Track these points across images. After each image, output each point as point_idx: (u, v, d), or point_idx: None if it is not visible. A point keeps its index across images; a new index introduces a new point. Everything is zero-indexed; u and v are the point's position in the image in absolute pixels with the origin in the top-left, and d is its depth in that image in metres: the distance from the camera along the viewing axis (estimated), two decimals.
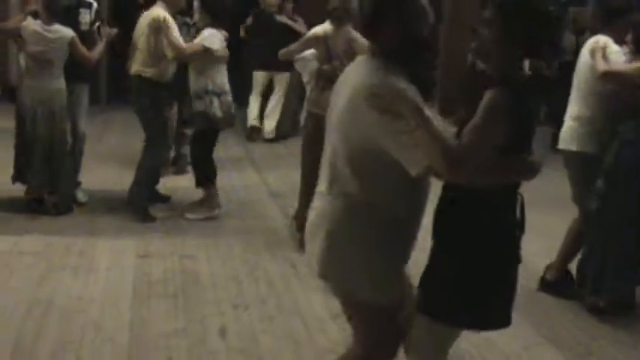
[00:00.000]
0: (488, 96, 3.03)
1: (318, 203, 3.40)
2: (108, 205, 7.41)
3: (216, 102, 7.12)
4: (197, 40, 7.14)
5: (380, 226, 3.22)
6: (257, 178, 9.21)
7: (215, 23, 7.17)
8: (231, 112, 7.32)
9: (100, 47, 7.42)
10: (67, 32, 7.10)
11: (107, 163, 8.99)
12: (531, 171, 3.17)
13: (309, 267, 3.57)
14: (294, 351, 4.84)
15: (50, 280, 5.67)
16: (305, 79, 7.08)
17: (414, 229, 3.33)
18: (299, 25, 11.06)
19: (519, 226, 3.25)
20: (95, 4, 7.68)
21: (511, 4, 3.14)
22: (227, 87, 7.31)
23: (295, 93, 11.36)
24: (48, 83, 7.10)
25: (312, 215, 3.44)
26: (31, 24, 7.05)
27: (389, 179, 3.18)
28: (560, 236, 6.05)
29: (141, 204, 7.25)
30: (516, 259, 3.26)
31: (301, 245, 5.95)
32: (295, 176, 9.08)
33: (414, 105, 3.01)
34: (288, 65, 8.54)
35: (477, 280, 3.16)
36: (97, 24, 7.53)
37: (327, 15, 6.60)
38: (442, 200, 3.26)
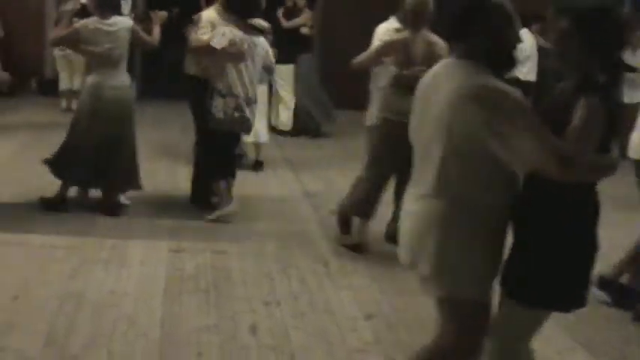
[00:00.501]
0: (586, 102, 3.15)
1: (419, 207, 3.46)
2: (141, 199, 7.40)
3: (219, 103, 6.95)
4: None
5: (485, 224, 3.36)
6: (291, 176, 9.18)
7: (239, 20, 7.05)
8: (236, 116, 7.00)
9: (156, 30, 7.26)
10: (127, 21, 7.04)
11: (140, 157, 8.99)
12: (613, 168, 3.31)
13: (414, 271, 3.57)
14: (325, 349, 4.80)
15: (82, 274, 5.68)
16: (381, 84, 6.72)
17: (507, 224, 3.45)
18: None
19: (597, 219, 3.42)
20: None
21: (585, 17, 3.28)
22: (238, 89, 6.98)
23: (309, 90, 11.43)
24: (118, 80, 7.00)
25: (412, 220, 3.49)
26: (89, 23, 6.86)
27: (492, 177, 3.32)
28: (620, 241, 5.95)
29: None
30: (596, 248, 3.41)
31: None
32: (330, 176, 9.13)
33: (522, 107, 3.18)
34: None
35: (564, 268, 3.33)
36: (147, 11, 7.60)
37: (405, 19, 6.44)
38: (528, 198, 3.37)
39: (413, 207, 3.51)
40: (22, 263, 5.83)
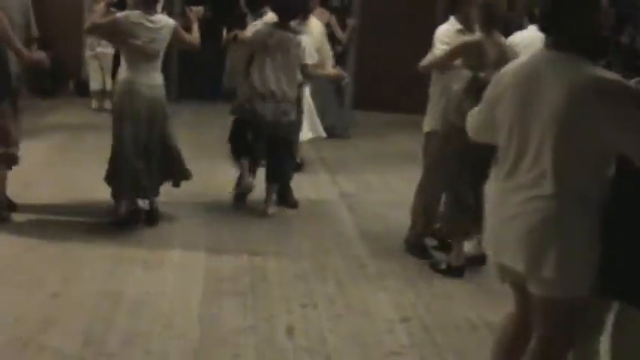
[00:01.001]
0: None
1: (533, 209, 3.35)
2: (179, 197, 7.41)
3: (240, 90, 7.49)
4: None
5: (598, 221, 3.31)
6: (328, 178, 9.18)
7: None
8: (246, 107, 7.28)
9: (195, 29, 7.05)
10: (170, 21, 6.81)
11: None
12: None
13: (531, 275, 3.43)
14: (361, 352, 4.79)
15: (121, 273, 5.73)
16: (455, 86, 6.20)
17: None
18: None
19: None
20: None
21: None
22: (255, 82, 7.19)
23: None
24: (152, 78, 6.72)
25: (526, 223, 3.38)
26: (132, 15, 6.60)
27: (605, 174, 3.32)
28: None
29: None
30: None
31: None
32: (366, 177, 9.12)
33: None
34: None
35: None
36: (188, 8, 7.24)
37: (477, 19, 6.10)
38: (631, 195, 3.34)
39: (523, 209, 3.39)
40: (61, 261, 5.88)
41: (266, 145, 7.41)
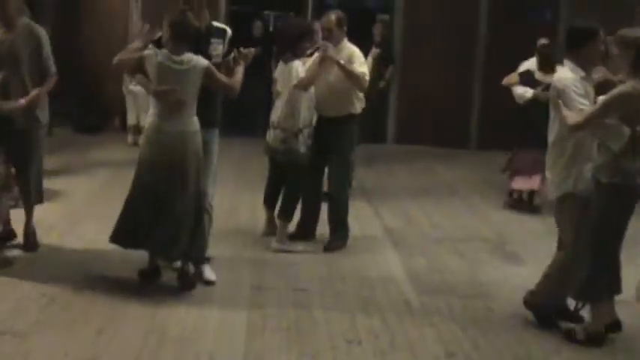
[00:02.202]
0: None
1: None
2: (222, 233, 7.43)
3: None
4: None
5: None
6: (370, 210, 9.15)
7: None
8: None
9: (239, 71, 6.28)
10: (201, 61, 5.99)
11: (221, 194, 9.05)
12: None
13: None
14: None
15: (165, 310, 5.74)
16: (614, 146, 5.45)
17: None
18: None
19: None
20: (229, 32, 6.48)
21: None
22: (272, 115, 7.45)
23: None
24: (183, 124, 5.98)
25: None
26: (157, 54, 5.98)
27: None
28: None
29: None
30: None
31: None
32: (408, 208, 9.09)
33: None
34: None
35: None
36: (233, 55, 6.37)
37: (629, 62, 5.40)
38: None
39: None
40: (105, 298, 5.92)
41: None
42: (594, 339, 5.59)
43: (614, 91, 5.37)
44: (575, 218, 5.66)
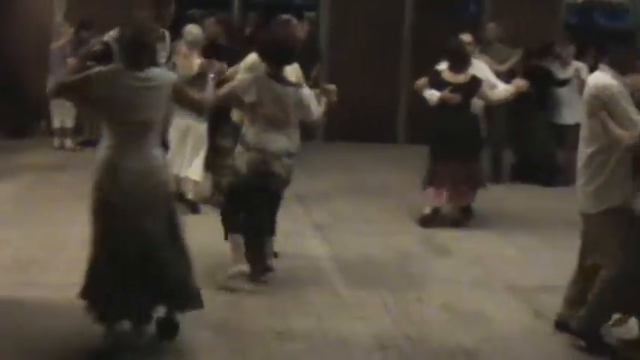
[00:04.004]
0: None
1: None
2: None
3: None
4: None
5: None
6: (300, 209, 9.10)
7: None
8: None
9: (211, 87, 5.86)
10: (168, 76, 5.06)
11: None
12: None
13: None
14: None
15: None
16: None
17: None
18: None
19: None
20: (167, 34, 6.15)
21: None
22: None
23: None
24: (145, 159, 4.88)
25: None
26: (110, 72, 4.90)
27: None
28: None
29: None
30: None
31: None
32: (339, 205, 9.12)
33: None
34: None
35: None
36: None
37: None
38: None
39: None
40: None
41: None
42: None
43: None
44: (621, 233, 5.27)
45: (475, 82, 8.21)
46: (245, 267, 6.26)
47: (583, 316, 5.41)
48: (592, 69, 11.97)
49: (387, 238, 7.94)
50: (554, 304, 6.20)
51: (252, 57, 6.76)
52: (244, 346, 5.22)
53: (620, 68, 5.25)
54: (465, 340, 5.51)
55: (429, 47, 12.26)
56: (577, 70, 10.96)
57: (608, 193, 5.25)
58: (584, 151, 5.37)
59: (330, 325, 5.66)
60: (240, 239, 6.27)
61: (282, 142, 6.14)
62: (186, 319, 5.39)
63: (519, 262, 7.50)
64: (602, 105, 5.15)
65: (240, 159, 6.20)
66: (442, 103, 8.17)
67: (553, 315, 5.96)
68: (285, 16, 6.82)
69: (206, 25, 8.67)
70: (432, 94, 8.25)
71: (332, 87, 6.59)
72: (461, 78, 8.18)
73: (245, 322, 5.64)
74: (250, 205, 6.25)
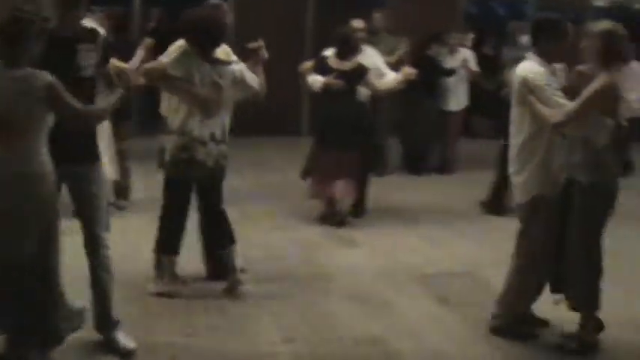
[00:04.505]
0: None
1: None
2: None
3: None
4: None
5: None
6: None
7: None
8: None
9: (114, 96, 4.81)
10: (41, 77, 4.31)
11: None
12: None
13: None
14: None
15: None
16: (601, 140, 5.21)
17: None
18: None
19: None
20: (102, 33, 5.13)
21: None
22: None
23: None
24: (15, 165, 4.33)
25: None
26: None
27: None
28: None
29: None
30: None
31: None
32: (243, 201, 9.02)
33: None
34: None
35: None
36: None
37: (600, 53, 5.18)
38: None
39: None
40: None
41: None
42: (589, 346, 5.39)
43: (595, 86, 5.09)
44: (545, 220, 5.38)
45: (360, 70, 8.06)
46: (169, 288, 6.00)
47: (501, 304, 5.59)
48: (485, 57, 12.37)
49: (292, 232, 7.96)
50: (459, 290, 6.41)
51: (179, 43, 6.24)
52: (152, 346, 5.14)
53: (547, 58, 5.38)
54: (371, 329, 5.57)
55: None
56: (465, 60, 11.20)
57: (537, 182, 5.36)
58: (514, 142, 5.46)
59: (236, 319, 5.64)
60: (172, 261, 6.05)
61: (208, 126, 5.83)
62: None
63: (423, 251, 7.59)
64: (529, 91, 5.25)
65: (166, 148, 5.94)
66: (325, 89, 8.04)
67: (458, 301, 6.12)
68: (215, 1, 6.63)
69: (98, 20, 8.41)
70: (315, 80, 8.13)
71: (256, 44, 6.36)
72: (346, 65, 8.04)
73: (152, 322, 5.55)
74: (179, 204, 5.98)
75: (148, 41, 6.55)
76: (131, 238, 7.04)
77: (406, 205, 9.42)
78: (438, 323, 5.77)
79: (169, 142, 5.88)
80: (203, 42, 5.83)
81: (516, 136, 5.43)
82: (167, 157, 5.90)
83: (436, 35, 11.41)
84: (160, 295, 5.91)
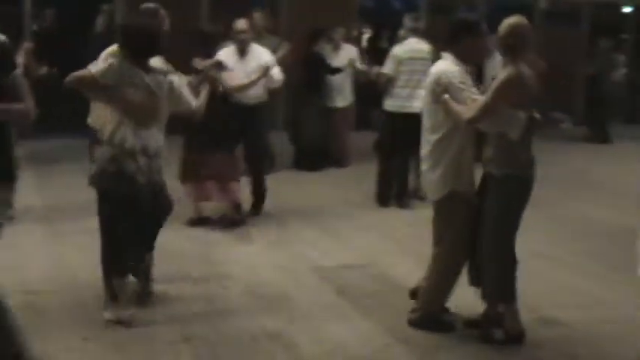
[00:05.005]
0: None
1: None
2: None
3: None
4: None
5: None
6: None
7: None
8: None
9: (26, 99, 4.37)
10: None
11: None
12: None
13: None
14: None
15: None
16: (514, 134, 5.30)
17: None
18: None
19: None
20: (2, 39, 4.37)
21: None
22: None
23: None
24: None
25: None
26: None
27: None
28: None
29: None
30: None
31: None
32: None
33: None
34: None
35: None
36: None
37: (510, 47, 5.32)
38: None
39: None
40: None
41: None
42: (515, 338, 5.46)
43: (502, 78, 5.22)
44: (460, 216, 5.49)
45: (219, 67, 7.60)
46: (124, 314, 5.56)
47: (418, 293, 5.74)
48: (382, 51, 12.51)
49: (188, 230, 7.91)
50: (357, 281, 6.49)
51: (111, 50, 6.03)
52: (48, 352, 5.05)
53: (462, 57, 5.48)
54: (268, 323, 5.60)
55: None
56: (352, 60, 11.34)
57: (451, 179, 5.46)
58: (427, 139, 5.56)
59: (136, 320, 5.57)
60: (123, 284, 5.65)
61: (141, 138, 5.45)
62: None
63: (321, 245, 7.66)
64: (443, 90, 5.36)
65: (103, 160, 5.51)
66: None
67: (356, 292, 6.20)
68: (151, 5, 6.45)
69: None
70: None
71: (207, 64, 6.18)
72: (205, 63, 7.54)
73: (48, 326, 5.45)
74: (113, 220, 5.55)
75: (27, 45, 6.34)
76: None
77: (303, 200, 9.51)
78: (337, 315, 5.84)
79: (99, 154, 5.56)
80: (139, 49, 5.51)
81: (430, 134, 5.54)
82: (95, 169, 5.55)
83: (321, 31, 11.41)
84: (118, 323, 5.51)
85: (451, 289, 5.64)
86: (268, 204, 8.75)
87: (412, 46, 9.19)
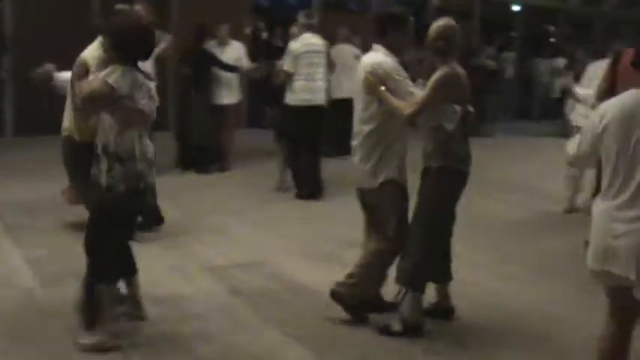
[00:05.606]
0: None
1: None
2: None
3: None
4: None
5: None
6: None
7: None
8: None
9: None
10: None
11: None
12: None
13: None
14: None
15: None
16: (450, 126, 5.44)
17: None
18: None
19: None
20: None
21: None
22: None
23: None
24: None
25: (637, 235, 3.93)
26: None
27: None
28: None
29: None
30: None
31: None
32: (30, 203, 8.71)
33: None
34: None
35: None
36: None
37: (442, 47, 5.47)
38: None
39: (632, 226, 3.94)
40: None
41: None
42: (412, 329, 5.50)
43: (438, 74, 5.35)
44: (397, 206, 5.55)
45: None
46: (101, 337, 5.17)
47: (343, 283, 5.68)
48: (276, 48, 12.51)
49: (80, 233, 7.68)
50: (250, 280, 6.53)
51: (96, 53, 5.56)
52: None
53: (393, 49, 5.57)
54: (161, 325, 5.55)
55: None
56: (239, 59, 11.27)
57: (385, 168, 5.52)
58: (360, 129, 5.60)
59: (17, 321, 5.49)
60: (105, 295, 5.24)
61: (142, 144, 5.10)
62: None
63: (214, 244, 7.65)
64: (379, 81, 5.40)
65: (110, 175, 5.01)
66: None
67: (249, 291, 6.19)
68: (122, 6, 6.17)
69: None
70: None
71: None
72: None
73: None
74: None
75: None
76: None
77: (193, 200, 9.47)
78: (230, 314, 5.84)
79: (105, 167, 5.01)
80: (139, 53, 5.13)
81: (362, 124, 5.59)
82: (104, 182, 5.00)
83: (206, 27, 11.28)
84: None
85: (384, 277, 5.71)
86: (163, 206, 8.59)
87: (308, 40, 9.59)
